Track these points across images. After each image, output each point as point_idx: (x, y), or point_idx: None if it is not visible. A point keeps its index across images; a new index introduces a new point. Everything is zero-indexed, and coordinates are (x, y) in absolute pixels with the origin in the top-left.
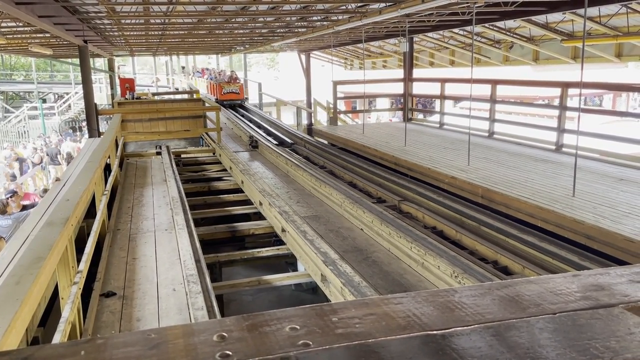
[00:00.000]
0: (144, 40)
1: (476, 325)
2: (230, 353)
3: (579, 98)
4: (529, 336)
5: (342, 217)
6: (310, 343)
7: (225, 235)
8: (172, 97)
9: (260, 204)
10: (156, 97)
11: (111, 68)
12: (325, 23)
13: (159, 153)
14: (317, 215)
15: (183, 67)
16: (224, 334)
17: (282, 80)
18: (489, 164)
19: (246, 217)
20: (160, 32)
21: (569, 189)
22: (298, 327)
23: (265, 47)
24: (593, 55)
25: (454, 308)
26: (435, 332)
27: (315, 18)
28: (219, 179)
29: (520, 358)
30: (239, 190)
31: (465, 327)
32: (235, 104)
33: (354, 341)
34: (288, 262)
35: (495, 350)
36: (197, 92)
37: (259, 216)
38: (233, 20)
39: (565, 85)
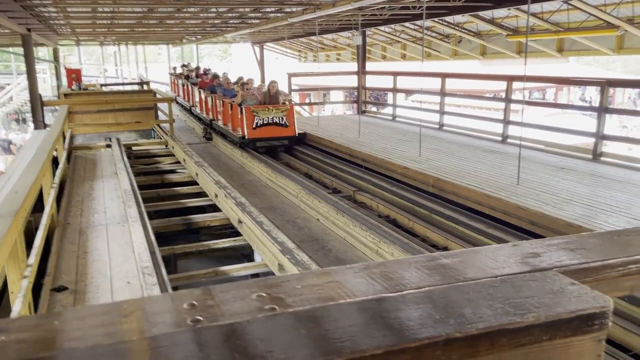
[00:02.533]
0: (91, 30)
1: (427, 289)
2: (201, 318)
3: (522, 91)
4: (470, 296)
5: (299, 208)
6: (277, 307)
7: (180, 228)
8: (121, 88)
9: (216, 195)
10: (104, 88)
11: (56, 58)
12: (279, 15)
13: (108, 145)
14: (274, 206)
15: (184, 65)
16: (195, 302)
17: (235, 72)
18: (440, 154)
19: (201, 210)
20: (108, 21)
21: (514, 178)
22: (264, 294)
23: (218, 38)
24: (536, 50)
25: (403, 274)
26: (387, 294)
27: (269, 9)
28: (173, 171)
29: (462, 314)
30: (193, 183)
31: (413, 290)
32: (277, 146)
33: (317, 304)
34: (244, 254)
35: (438, 308)
36: (147, 83)
37: (213, 208)
38: (185, 10)
39: (510, 79)
